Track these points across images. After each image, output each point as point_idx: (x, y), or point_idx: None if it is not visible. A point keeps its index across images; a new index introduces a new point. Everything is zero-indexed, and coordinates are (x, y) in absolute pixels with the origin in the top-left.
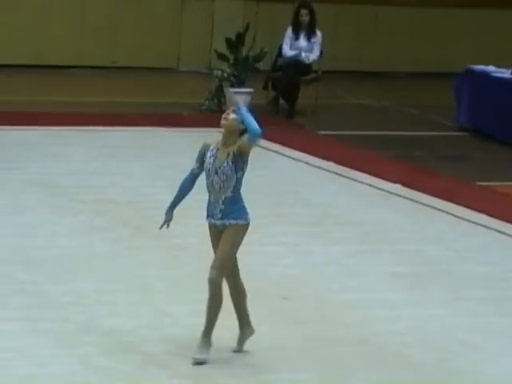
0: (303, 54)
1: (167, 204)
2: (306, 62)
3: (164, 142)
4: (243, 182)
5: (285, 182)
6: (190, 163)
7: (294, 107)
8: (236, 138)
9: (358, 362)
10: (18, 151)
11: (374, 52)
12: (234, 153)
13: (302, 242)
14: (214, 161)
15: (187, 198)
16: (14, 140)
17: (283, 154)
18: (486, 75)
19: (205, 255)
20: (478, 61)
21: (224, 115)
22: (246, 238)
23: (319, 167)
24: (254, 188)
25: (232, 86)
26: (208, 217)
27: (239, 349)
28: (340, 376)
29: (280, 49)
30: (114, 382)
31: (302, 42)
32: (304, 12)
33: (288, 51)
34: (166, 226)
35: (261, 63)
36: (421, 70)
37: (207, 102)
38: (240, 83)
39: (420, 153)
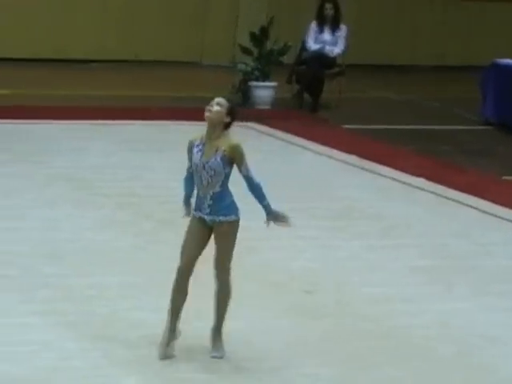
0: (327, 48)
1: None
2: (330, 55)
3: (186, 136)
4: (267, 175)
5: (308, 175)
6: None
7: (317, 101)
8: (221, 131)
9: (379, 356)
10: (42, 145)
11: (397, 45)
12: (224, 152)
13: (324, 235)
14: (201, 156)
15: None
16: (38, 134)
17: (306, 148)
18: (511, 69)
19: None
20: (503, 54)
21: (207, 107)
22: (268, 232)
23: (342, 161)
24: (276, 182)
25: (256, 79)
26: (196, 210)
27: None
28: (362, 370)
29: (304, 42)
30: (138, 375)
31: (327, 35)
32: (328, 6)
33: (312, 45)
34: (189, 215)
35: (285, 57)
36: (445, 64)
37: (231, 96)
38: (264, 77)
39: (444, 147)
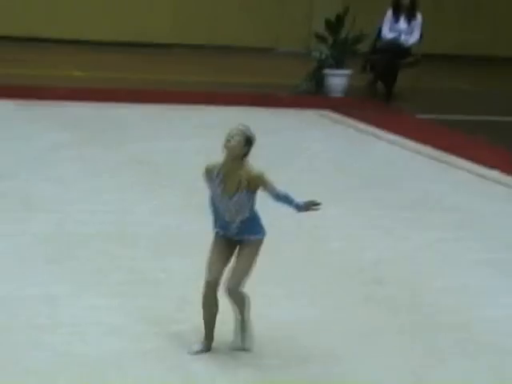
0: (402, 37)
1: None
2: (405, 44)
3: (260, 121)
4: (339, 162)
5: (381, 165)
6: (285, 143)
7: (391, 90)
8: (240, 161)
9: (452, 348)
10: (117, 128)
11: (476, 36)
12: (247, 185)
13: (396, 226)
14: (223, 189)
15: (285, 177)
16: (113, 117)
17: (380, 137)
18: None
19: (296, 239)
20: None
21: (227, 136)
22: (341, 221)
23: (416, 151)
24: (349, 170)
25: (330, 67)
26: (220, 229)
27: (246, 346)
28: (435, 362)
29: (379, 31)
30: (207, 360)
31: (402, 24)
32: None
33: (387, 33)
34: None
35: (360, 45)
36: None
37: (304, 84)
38: (338, 65)
39: None
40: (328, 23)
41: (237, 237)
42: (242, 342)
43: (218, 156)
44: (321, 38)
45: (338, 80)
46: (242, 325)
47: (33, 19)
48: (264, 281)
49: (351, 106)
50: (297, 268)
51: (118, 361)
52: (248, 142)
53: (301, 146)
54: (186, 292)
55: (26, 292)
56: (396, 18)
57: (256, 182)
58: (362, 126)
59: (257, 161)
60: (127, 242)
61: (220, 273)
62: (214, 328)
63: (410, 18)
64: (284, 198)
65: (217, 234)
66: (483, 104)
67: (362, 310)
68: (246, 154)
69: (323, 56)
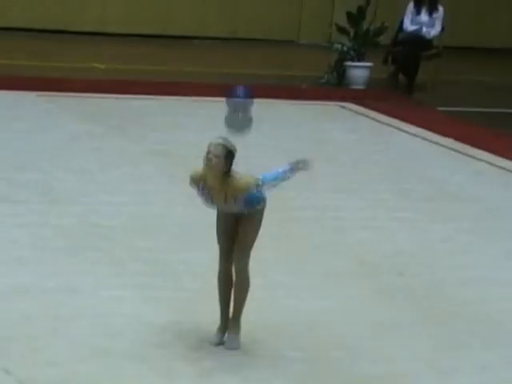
0: (424, 29)
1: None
2: (427, 37)
3: (281, 114)
4: (361, 155)
5: (402, 157)
6: (307, 135)
7: (413, 82)
8: (225, 179)
9: (472, 340)
10: (140, 120)
11: (495, 28)
12: (235, 197)
13: (417, 217)
14: (211, 201)
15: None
16: (134, 109)
17: (401, 130)
18: None
19: (316, 230)
20: None
21: (206, 154)
22: (361, 213)
23: (437, 143)
24: (370, 162)
25: (351, 59)
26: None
27: (231, 345)
28: (454, 353)
29: (401, 23)
30: (227, 350)
31: (424, 16)
32: None
33: (409, 26)
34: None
35: (381, 37)
36: None
37: (326, 76)
38: (360, 57)
39: None
40: (349, 15)
41: (238, 212)
42: (231, 341)
43: (239, 148)
44: (342, 30)
45: (359, 72)
46: (232, 323)
47: (53, 11)
48: (283, 271)
49: (373, 98)
50: (317, 259)
51: (137, 352)
52: (229, 156)
53: (322, 138)
54: (207, 284)
55: (48, 283)
56: (418, 11)
57: (244, 192)
58: (383, 118)
59: (275, 153)
60: (148, 234)
61: (230, 243)
62: (229, 303)
63: (432, 11)
64: (276, 180)
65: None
66: (504, 96)
67: (382, 302)
68: (229, 169)
69: (345, 48)
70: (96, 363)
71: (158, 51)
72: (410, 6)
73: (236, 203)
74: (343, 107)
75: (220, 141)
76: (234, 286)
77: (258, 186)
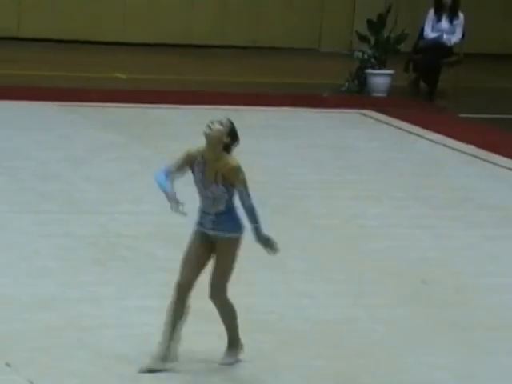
0: (445, 36)
1: (305, 184)
2: (448, 44)
3: (303, 122)
4: (383, 162)
5: (424, 164)
6: (328, 143)
7: (434, 89)
8: (220, 151)
9: (498, 346)
10: (162, 130)
11: None
12: (223, 177)
13: (440, 224)
14: (201, 177)
15: (328, 177)
16: (155, 119)
17: (423, 137)
18: None
19: (340, 238)
20: None
21: (208, 122)
22: (385, 220)
23: (459, 150)
24: (392, 170)
25: (372, 67)
26: (198, 225)
27: (224, 361)
28: (479, 359)
29: (421, 31)
30: (254, 360)
31: (444, 24)
32: None
33: (429, 33)
34: (180, 207)
35: (402, 45)
36: None
37: (347, 84)
38: (380, 65)
39: None
40: (370, 23)
41: (212, 232)
42: (227, 356)
43: (261, 157)
44: (363, 38)
45: (380, 80)
46: (230, 345)
47: (76, 22)
48: (308, 281)
49: (394, 105)
50: (341, 267)
51: None
52: (231, 133)
53: (343, 146)
54: (231, 293)
55: (71, 293)
56: (438, 18)
57: (231, 174)
58: (404, 125)
59: (298, 161)
60: (171, 243)
61: (194, 274)
62: (173, 339)
63: (452, 18)
64: (250, 211)
65: (195, 232)
66: None
67: (406, 309)
68: (228, 146)
69: (365, 56)
70: (120, 373)
71: (179, 61)
72: (431, 14)
73: (220, 186)
74: (365, 115)
75: (225, 119)
76: (223, 321)
77: (245, 184)
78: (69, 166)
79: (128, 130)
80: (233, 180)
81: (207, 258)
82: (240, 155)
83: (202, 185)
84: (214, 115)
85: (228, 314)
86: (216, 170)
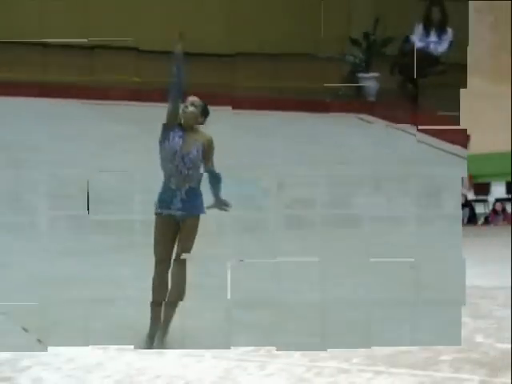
0: (432, 45)
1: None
2: (434, 53)
3: (301, 127)
4: (373, 162)
5: (411, 163)
6: (323, 148)
7: (417, 91)
8: (196, 129)
9: None
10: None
11: None
12: (202, 145)
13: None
14: (181, 144)
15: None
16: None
17: (410, 135)
18: None
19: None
20: None
21: (183, 105)
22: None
23: (446, 150)
24: (381, 169)
25: (363, 71)
26: (162, 208)
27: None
28: None
29: (407, 36)
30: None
31: (433, 38)
32: (435, 9)
33: (417, 42)
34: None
35: (388, 48)
36: None
37: (343, 88)
38: (367, 68)
39: None
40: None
41: (180, 213)
42: (159, 342)
43: (264, 157)
44: (354, 42)
45: (369, 83)
46: (164, 328)
47: (97, 28)
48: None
49: (385, 108)
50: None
51: (178, 335)
52: (205, 111)
53: (341, 150)
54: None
55: (91, 274)
56: (426, 33)
57: (209, 144)
58: (397, 126)
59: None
60: None
61: (168, 252)
62: (160, 317)
63: (441, 34)
64: (219, 179)
65: (158, 216)
66: None
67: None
68: (201, 123)
69: (357, 60)
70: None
71: (189, 67)
72: (419, 29)
73: (200, 152)
74: (360, 118)
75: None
76: (171, 293)
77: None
78: (85, 157)
79: (147, 124)
80: (209, 149)
81: (176, 236)
82: (241, 155)
83: (181, 152)
84: (214, 115)
85: (177, 296)
86: (195, 138)
